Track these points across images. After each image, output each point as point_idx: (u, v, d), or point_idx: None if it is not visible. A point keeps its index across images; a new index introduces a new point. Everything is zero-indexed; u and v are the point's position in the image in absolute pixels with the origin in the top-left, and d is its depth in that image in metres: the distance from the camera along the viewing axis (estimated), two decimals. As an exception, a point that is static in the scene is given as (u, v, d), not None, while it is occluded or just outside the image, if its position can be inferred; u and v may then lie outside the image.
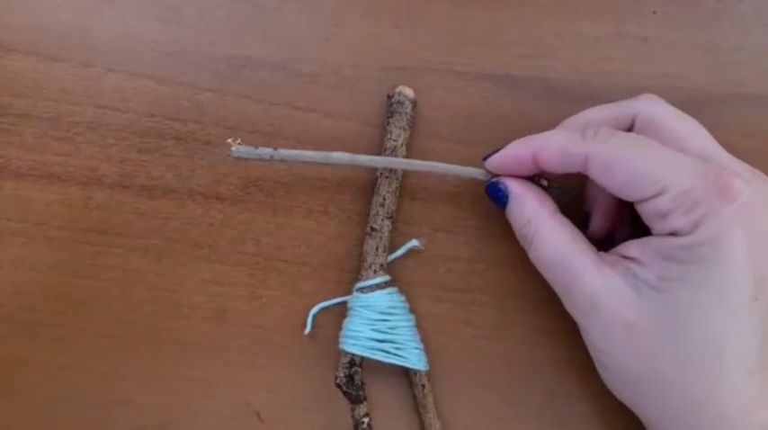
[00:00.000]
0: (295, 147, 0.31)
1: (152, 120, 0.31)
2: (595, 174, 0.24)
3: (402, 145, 0.29)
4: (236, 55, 0.32)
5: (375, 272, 0.28)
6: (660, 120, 0.25)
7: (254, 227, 0.30)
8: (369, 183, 0.30)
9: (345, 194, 0.30)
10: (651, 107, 0.26)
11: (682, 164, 0.23)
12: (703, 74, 0.31)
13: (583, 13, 0.31)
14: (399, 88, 0.30)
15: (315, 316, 0.29)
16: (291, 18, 0.32)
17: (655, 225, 0.23)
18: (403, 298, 0.28)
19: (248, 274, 0.30)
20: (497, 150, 0.27)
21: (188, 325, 0.30)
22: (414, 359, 0.27)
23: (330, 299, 0.29)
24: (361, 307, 0.28)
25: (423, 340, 0.28)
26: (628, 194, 0.24)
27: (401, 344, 0.27)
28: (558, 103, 0.31)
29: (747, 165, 0.25)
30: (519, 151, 0.26)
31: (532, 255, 0.26)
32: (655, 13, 0.31)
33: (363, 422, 0.27)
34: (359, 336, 0.27)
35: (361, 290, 0.28)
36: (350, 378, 0.27)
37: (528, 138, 0.26)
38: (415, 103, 0.30)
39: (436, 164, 0.28)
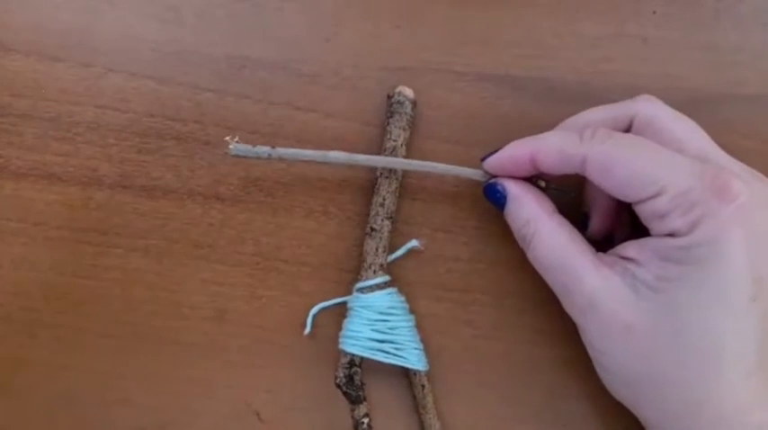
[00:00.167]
0: (294, 147, 0.31)
1: (152, 121, 0.31)
2: (593, 175, 0.24)
3: (402, 145, 0.29)
4: (236, 55, 0.32)
5: (375, 272, 0.28)
6: (658, 121, 0.25)
7: (253, 227, 0.30)
8: (369, 184, 0.30)
9: (345, 194, 0.30)
10: (649, 108, 0.26)
11: (679, 164, 0.23)
12: (703, 74, 0.31)
13: (583, 13, 0.31)
14: (399, 88, 0.30)
15: (315, 316, 0.29)
16: (291, 18, 0.32)
17: (653, 226, 0.23)
18: (403, 298, 0.28)
19: (248, 274, 0.30)
20: (495, 151, 0.27)
21: (188, 325, 0.30)
22: (413, 359, 0.27)
23: (330, 299, 0.30)
24: (361, 307, 0.28)
25: (422, 340, 0.28)
26: (626, 195, 0.24)
27: (401, 344, 0.27)
28: (557, 103, 0.31)
29: (746, 166, 0.25)
30: (517, 152, 0.26)
31: (531, 256, 0.26)
32: (655, 13, 0.31)
33: (363, 422, 0.27)
34: (359, 337, 0.27)
35: (361, 290, 0.28)
36: (350, 378, 0.27)
37: (526, 139, 0.26)
38: (414, 104, 0.30)
39: (435, 164, 0.28)
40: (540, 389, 0.29)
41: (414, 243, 0.30)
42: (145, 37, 0.32)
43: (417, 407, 0.28)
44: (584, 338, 0.25)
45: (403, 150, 0.29)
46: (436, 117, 0.31)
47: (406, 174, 0.30)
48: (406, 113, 0.30)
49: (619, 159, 0.23)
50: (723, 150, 0.25)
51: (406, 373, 0.29)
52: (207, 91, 0.31)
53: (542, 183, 0.27)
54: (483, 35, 0.32)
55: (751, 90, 0.30)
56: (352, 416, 0.27)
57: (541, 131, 0.27)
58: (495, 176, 0.27)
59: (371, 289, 0.28)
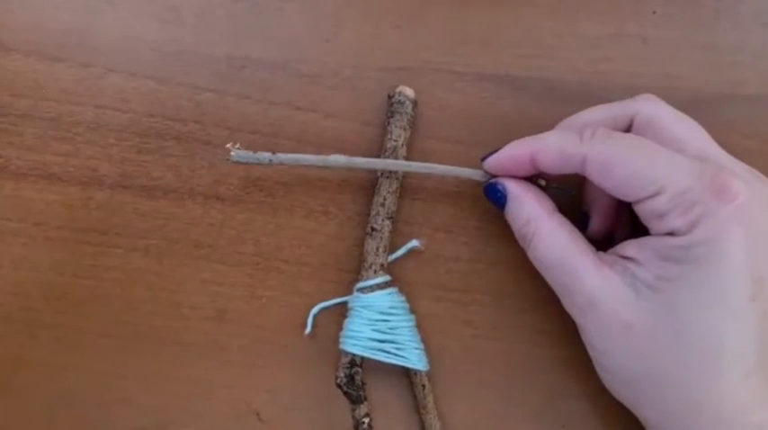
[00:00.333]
0: (295, 148, 0.31)
1: (152, 121, 0.31)
2: (593, 174, 0.24)
3: (402, 145, 0.29)
4: (236, 55, 0.32)
5: (375, 272, 0.28)
6: (659, 121, 0.25)
7: (254, 227, 0.30)
8: (369, 184, 0.30)
9: (345, 194, 0.30)
10: (650, 107, 0.26)
11: (679, 164, 0.23)
12: (703, 74, 0.31)
13: (583, 13, 0.31)
14: (400, 88, 0.30)
15: (315, 316, 0.29)
16: (291, 18, 0.32)
17: (652, 225, 0.23)
18: (403, 298, 0.28)
19: (248, 274, 0.30)
20: (495, 151, 0.27)
21: (188, 325, 0.30)
22: (414, 359, 0.27)
23: (330, 299, 0.30)
24: (362, 307, 0.28)
25: (423, 340, 0.28)
26: (625, 195, 0.24)
27: (401, 344, 0.27)
28: (557, 103, 0.31)
29: (746, 166, 0.25)
30: (517, 152, 0.26)
31: (531, 255, 0.26)
32: (655, 13, 0.31)
33: (364, 422, 0.27)
34: (359, 337, 0.27)
35: (362, 290, 0.28)
36: (350, 378, 0.27)
37: (526, 139, 0.26)
38: (415, 104, 0.30)
39: (434, 165, 0.28)
40: (540, 389, 0.29)
41: (414, 243, 0.30)
42: (145, 37, 0.32)
43: (418, 407, 0.28)
44: (584, 338, 0.25)
45: (404, 150, 0.29)
46: (436, 117, 0.31)
47: (406, 174, 0.30)
48: (406, 113, 0.30)
49: (618, 159, 0.23)
50: (724, 150, 0.25)
51: (406, 373, 0.29)
52: (207, 91, 0.31)
53: (542, 182, 0.27)
54: (483, 35, 0.32)
55: (751, 90, 0.30)
56: (353, 416, 0.27)
57: (541, 131, 0.27)
58: (495, 176, 0.27)
59: (372, 289, 0.28)
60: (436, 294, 0.30)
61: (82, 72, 0.32)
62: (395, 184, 0.29)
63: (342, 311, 0.29)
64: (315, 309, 0.29)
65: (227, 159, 0.28)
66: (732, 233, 0.22)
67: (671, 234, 0.23)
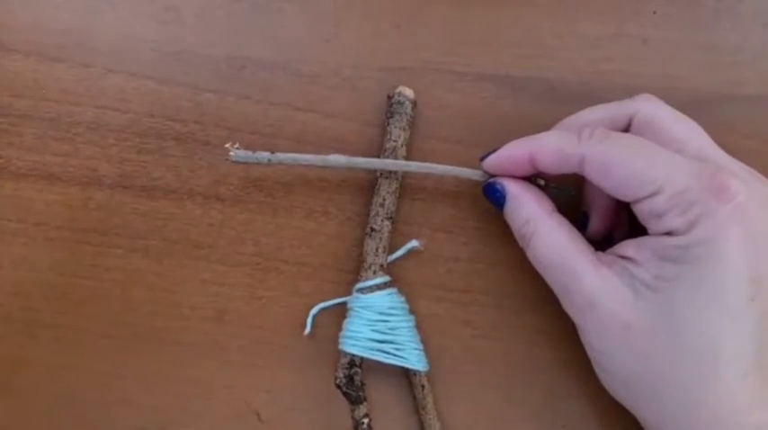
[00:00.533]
0: (295, 148, 0.31)
1: (152, 121, 0.31)
2: (591, 174, 0.24)
3: (402, 145, 0.29)
4: (236, 55, 0.32)
5: (375, 272, 0.28)
6: (658, 121, 0.25)
7: (253, 227, 0.30)
8: (368, 184, 0.30)
9: (345, 195, 0.30)
10: (648, 107, 0.26)
11: (677, 164, 0.23)
12: (703, 74, 0.31)
13: (583, 13, 0.31)
14: (399, 88, 0.30)
15: (314, 316, 0.29)
16: (291, 18, 0.32)
17: (651, 225, 0.23)
18: (403, 298, 0.28)
19: (248, 275, 0.30)
20: (494, 151, 0.27)
21: (188, 325, 0.30)
22: (413, 359, 0.27)
23: (330, 299, 0.30)
24: (361, 307, 0.28)
25: (422, 340, 0.28)
26: (624, 194, 0.24)
27: (401, 344, 0.27)
28: (557, 103, 0.31)
29: (745, 166, 0.25)
30: (515, 152, 0.26)
31: (531, 255, 0.26)
32: (655, 13, 0.31)
33: (363, 423, 0.27)
34: (359, 337, 0.27)
35: (361, 290, 0.28)
36: (350, 378, 0.27)
37: (525, 138, 0.26)
38: (415, 104, 0.30)
39: (433, 165, 0.28)
40: (540, 390, 0.29)
41: (414, 243, 0.30)
42: (145, 37, 0.32)
43: (417, 408, 0.28)
44: (583, 338, 0.25)
45: (403, 151, 0.29)
46: (436, 117, 0.31)
47: (406, 174, 0.30)
48: (406, 113, 0.30)
49: (617, 159, 0.23)
50: (723, 150, 0.25)
51: (406, 374, 0.29)
52: (207, 91, 0.31)
53: (541, 182, 0.27)
54: (483, 35, 0.32)
55: (751, 90, 0.30)
56: (353, 417, 0.27)
57: (541, 131, 0.27)
58: (493, 176, 0.27)
59: (371, 289, 0.28)
60: (436, 294, 0.30)
61: (82, 72, 0.32)
62: (394, 185, 0.29)
63: (341, 312, 0.29)
64: (314, 310, 0.29)
65: (227, 159, 0.28)
66: (730, 233, 0.22)
67: (669, 234, 0.23)
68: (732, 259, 0.22)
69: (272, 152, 0.28)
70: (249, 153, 0.28)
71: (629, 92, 0.27)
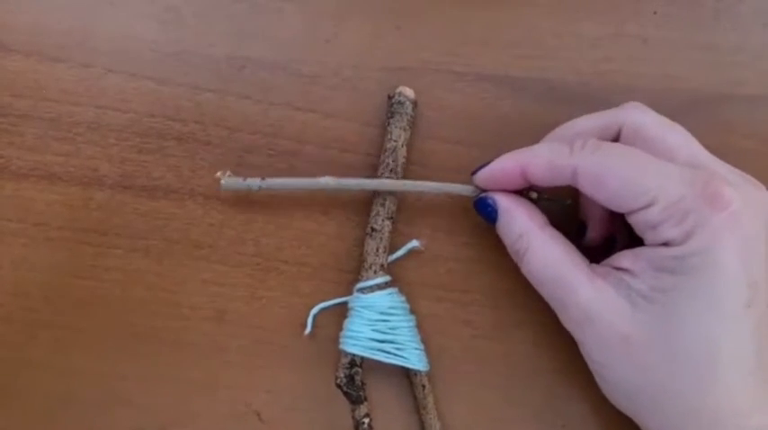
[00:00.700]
0: (295, 148, 0.31)
1: (152, 121, 0.31)
2: (585, 186, 0.24)
3: (402, 145, 0.29)
4: (236, 55, 0.32)
5: (375, 272, 0.28)
6: (647, 130, 0.25)
7: (254, 227, 0.30)
8: (369, 184, 0.30)
9: (345, 195, 0.30)
10: (637, 116, 0.26)
11: (670, 173, 0.23)
12: (703, 74, 0.31)
13: (583, 13, 0.31)
14: (400, 89, 0.30)
15: (315, 316, 0.29)
16: (291, 19, 0.32)
17: (647, 235, 0.23)
18: (403, 298, 0.28)
19: (248, 275, 0.30)
20: (485, 165, 0.27)
21: (188, 325, 0.30)
22: (414, 359, 0.27)
23: (330, 299, 0.29)
24: (362, 307, 0.28)
25: (423, 340, 0.28)
26: (618, 206, 0.23)
27: (401, 344, 0.27)
28: (557, 103, 0.31)
29: (738, 171, 0.25)
30: (507, 165, 0.26)
31: (525, 270, 0.26)
32: (655, 13, 0.31)
33: (364, 422, 0.27)
34: (359, 337, 0.27)
35: (362, 290, 0.28)
36: (350, 378, 0.27)
37: (516, 152, 0.26)
38: (415, 104, 0.30)
39: (425, 183, 0.28)
40: (540, 390, 0.29)
41: (414, 243, 0.30)
42: (145, 37, 0.32)
43: (418, 408, 0.28)
44: (582, 351, 0.25)
45: (404, 151, 0.30)
46: (436, 117, 0.31)
47: (406, 174, 0.30)
48: (406, 114, 0.30)
49: (609, 170, 0.23)
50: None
51: (406, 373, 0.29)
52: (207, 91, 0.31)
53: (534, 195, 0.27)
54: (483, 35, 0.32)
55: (751, 90, 0.30)
56: (353, 417, 0.27)
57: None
58: (485, 191, 0.27)
59: (372, 289, 0.28)
60: (436, 294, 0.30)
61: (82, 72, 0.32)
62: (395, 185, 0.29)
63: (342, 312, 0.29)
64: (315, 310, 0.29)
65: (217, 189, 0.28)
66: (726, 241, 0.22)
67: (665, 244, 0.22)
68: (729, 267, 0.22)
69: (263, 178, 0.28)
70: (240, 180, 0.28)
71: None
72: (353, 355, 0.28)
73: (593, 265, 0.25)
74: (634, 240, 0.24)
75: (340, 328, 0.28)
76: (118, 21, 0.32)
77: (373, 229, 0.29)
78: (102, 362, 0.30)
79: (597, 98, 0.30)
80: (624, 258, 0.24)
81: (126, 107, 0.31)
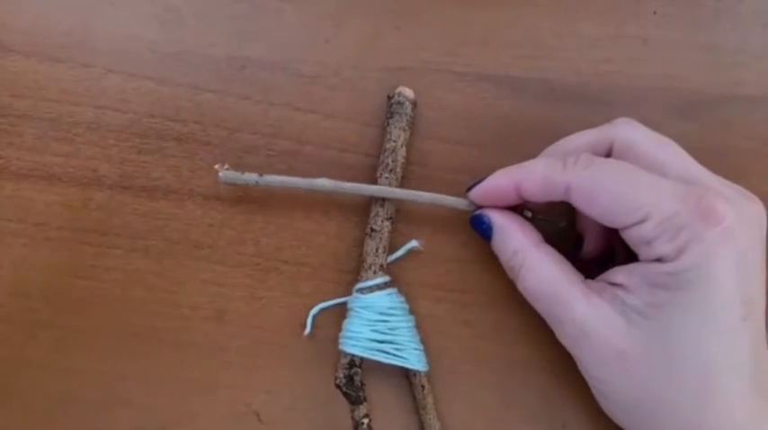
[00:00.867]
0: (295, 148, 0.31)
1: (152, 121, 0.31)
2: (578, 202, 0.24)
3: (402, 146, 0.29)
4: (236, 56, 0.32)
5: (375, 272, 0.28)
6: (638, 145, 0.25)
7: (253, 227, 0.30)
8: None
9: (345, 195, 0.30)
10: (628, 131, 0.25)
11: (663, 189, 0.23)
12: (703, 74, 0.31)
13: (583, 13, 0.31)
14: (399, 89, 0.30)
15: (314, 316, 0.29)
16: (291, 19, 0.32)
17: (640, 251, 0.23)
18: (402, 298, 0.28)
19: (248, 275, 0.30)
20: (480, 181, 0.27)
21: (188, 325, 0.30)
22: (413, 360, 0.27)
23: (330, 299, 0.30)
24: (361, 307, 0.28)
25: (422, 341, 0.28)
26: (611, 221, 0.23)
27: (401, 344, 0.27)
28: (557, 103, 0.31)
29: (730, 183, 0.24)
30: (501, 182, 0.26)
31: (520, 287, 0.26)
32: (655, 13, 0.31)
33: (363, 423, 0.27)
34: (359, 337, 0.27)
35: (361, 290, 0.28)
36: (350, 379, 0.27)
37: (509, 168, 0.26)
38: (415, 104, 0.30)
39: (421, 193, 0.28)
40: (540, 390, 0.29)
41: (414, 243, 0.30)
42: (145, 37, 0.32)
43: (417, 408, 0.28)
44: (580, 367, 0.25)
45: (403, 151, 0.29)
46: (436, 117, 0.31)
47: (406, 174, 0.30)
48: (406, 114, 0.30)
49: (602, 185, 0.23)
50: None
51: (406, 374, 0.29)
52: (207, 91, 0.31)
53: (528, 214, 0.27)
54: (483, 35, 0.32)
55: (751, 91, 0.30)
56: (352, 417, 0.27)
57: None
58: (480, 206, 0.27)
59: (371, 289, 0.28)
60: (436, 295, 0.30)
61: (82, 72, 0.32)
62: (394, 185, 0.29)
63: (341, 312, 0.29)
64: (314, 310, 0.29)
65: (217, 187, 0.29)
66: (720, 256, 0.22)
67: (659, 260, 0.22)
68: (723, 282, 0.22)
69: (260, 174, 0.28)
70: (237, 174, 0.28)
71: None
72: (353, 356, 0.28)
73: (589, 281, 0.25)
74: (633, 253, 0.24)
75: (339, 329, 0.28)
76: (118, 21, 0.32)
77: (373, 230, 0.29)
78: (102, 362, 0.30)
79: (597, 98, 0.31)
80: (619, 274, 0.24)
81: (126, 107, 0.31)
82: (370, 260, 0.28)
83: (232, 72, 0.32)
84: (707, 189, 0.23)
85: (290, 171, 0.31)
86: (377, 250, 0.28)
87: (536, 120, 0.30)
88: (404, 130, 0.30)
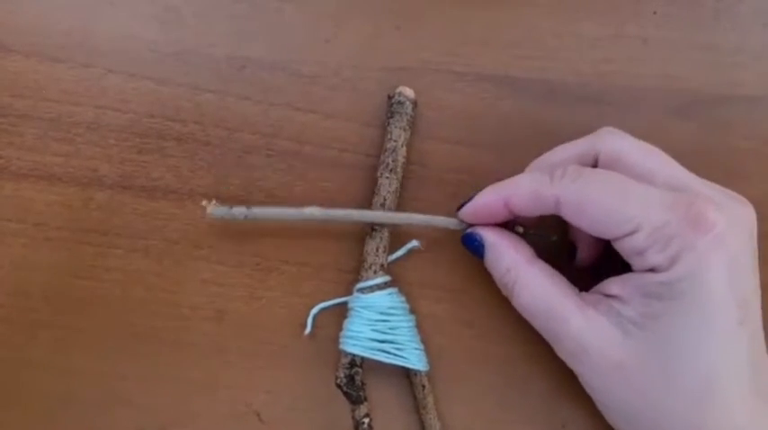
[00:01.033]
0: (295, 149, 0.31)
1: (152, 121, 0.31)
2: (568, 214, 0.24)
3: (402, 146, 0.29)
4: (236, 56, 0.32)
5: (375, 272, 0.28)
6: (625, 155, 0.25)
7: (254, 227, 0.30)
8: (369, 184, 0.30)
9: (345, 195, 0.30)
10: (615, 142, 0.25)
11: (652, 199, 0.23)
12: (703, 74, 0.31)
13: (583, 13, 0.31)
14: (400, 89, 0.30)
15: (315, 316, 0.29)
16: (291, 19, 0.32)
17: (633, 262, 0.23)
18: (403, 298, 0.28)
19: (248, 275, 0.30)
20: (469, 200, 0.27)
21: (188, 325, 0.30)
22: (414, 359, 0.27)
23: (330, 299, 0.30)
24: (362, 307, 0.28)
25: (423, 341, 0.28)
26: (602, 233, 0.23)
27: (401, 344, 0.27)
28: (558, 103, 0.31)
29: (719, 187, 0.24)
30: (490, 199, 0.26)
31: (515, 303, 0.26)
32: (655, 13, 0.31)
33: (364, 422, 0.27)
34: (359, 337, 0.27)
35: (362, 290, 0.28)
36: (350, 378, 0.27)
37: (497, 184, 0.26)
38: (415, 104, 0.30)
39: (412, 215, 0.28)
40: (540, 390, 0.29)
41: (414, 243, 0.30)
42: (145, 37, 0.32)
43: (418, 408, 0.28)
44: (581, 381, 0.25)
45: (403, 151, 0.29)
46: (436, 117, 0.31)
47: (406, 174, 0.30)
48: (406, 114, 0.30)
49: (590, 198, 0.23)
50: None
51: (406, 374, 0.29)
52: (207, 91, 0.31)
53: (520, 230, 0.27)
54: (483, 35, 0.32)
55: (750, 91, 0.30)
56: (353, 417, 0.27)
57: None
58: (471, 225, 0.27)
59: (372, 289, 0.28)
60: (436, 295, 0.30)
61: (82, 73, 0.32)
62: (395, 184, 0.29)
63: (342, 312, 0.29)
64: (315, 310, 0.29)
65: (203, 217, 0.28)
66: (712, 264, 0.21)
67: (652, 270, 0.22)
68: (717, 289, 0.22)
69: (248, 207, 0.28)
70: (226, 209, 0.28)
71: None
72: (353, 355, 0.28)
73: (584, 294, 0.25)
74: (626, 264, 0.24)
75: (340, 328, 0.28)
76: (118, 21, 0.32)
77: (373, 229, 0.29)
78: (102, 362, 0.30)
79: (597, 98, 0.31)
80: (613, 285, 0.24)
81: (126, 107, 0.31)
82: (370, 260, 0.28)
83: (232, 72, 0.32)
84: (696, 196, 0.23)
85: (289, 170, 0.31)
86: (377, 250, 0.28)
87: (536, 120, 0.30)
88: (404, 130, 0.30)
